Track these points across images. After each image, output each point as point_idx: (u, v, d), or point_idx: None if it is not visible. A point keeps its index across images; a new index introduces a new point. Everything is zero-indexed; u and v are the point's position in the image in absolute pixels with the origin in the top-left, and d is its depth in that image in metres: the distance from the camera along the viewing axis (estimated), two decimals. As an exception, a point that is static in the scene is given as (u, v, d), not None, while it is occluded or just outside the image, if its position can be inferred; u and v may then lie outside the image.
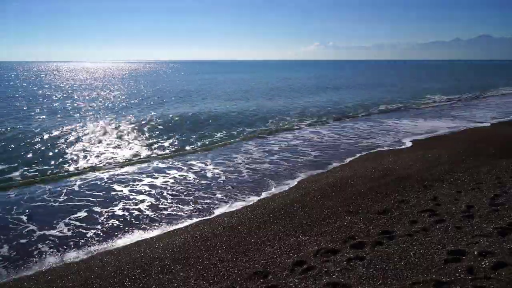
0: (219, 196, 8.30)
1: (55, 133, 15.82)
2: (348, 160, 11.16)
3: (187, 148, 13.20)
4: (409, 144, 13.14)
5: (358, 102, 27.17)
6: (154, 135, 15.56)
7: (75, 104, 26.47)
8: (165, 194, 8.43)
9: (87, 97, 31.71)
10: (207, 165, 10.81)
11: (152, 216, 7.25)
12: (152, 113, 21.40)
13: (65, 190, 8.71)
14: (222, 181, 9.31)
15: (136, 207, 7.70)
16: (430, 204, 6.45)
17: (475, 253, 4.30)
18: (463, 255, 4.30)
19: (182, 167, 10.63)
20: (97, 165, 10.82)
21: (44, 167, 10.67)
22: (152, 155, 12.08)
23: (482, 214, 5.63)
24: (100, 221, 7.06)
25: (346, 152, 12.27)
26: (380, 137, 14.72)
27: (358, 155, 11.75)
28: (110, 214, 7.39)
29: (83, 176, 9.83)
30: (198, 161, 11.21)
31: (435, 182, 7.93)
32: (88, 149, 12.90)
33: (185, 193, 8.49)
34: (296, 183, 9.00)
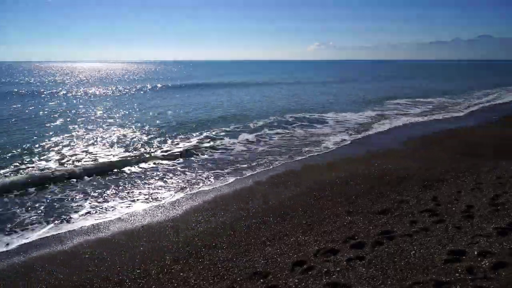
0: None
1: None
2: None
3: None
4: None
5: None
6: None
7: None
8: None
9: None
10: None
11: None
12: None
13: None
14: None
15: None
16: (430, 204, 6.45)
17: (475, 253, 4.30)
18: (463, 255, 4.30)
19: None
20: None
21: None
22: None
23: (482, 214, 5.64)
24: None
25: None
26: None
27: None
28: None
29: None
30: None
31: (435, 182, 7.93)
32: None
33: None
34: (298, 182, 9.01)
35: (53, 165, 10.70)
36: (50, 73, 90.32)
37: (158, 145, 13.51)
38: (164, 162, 11.22)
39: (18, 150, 12.33)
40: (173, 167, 10.65)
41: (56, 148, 12.81)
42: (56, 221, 7.02)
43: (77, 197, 8.25)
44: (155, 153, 12.21)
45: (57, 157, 11.55)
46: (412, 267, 4.19)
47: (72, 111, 22.69)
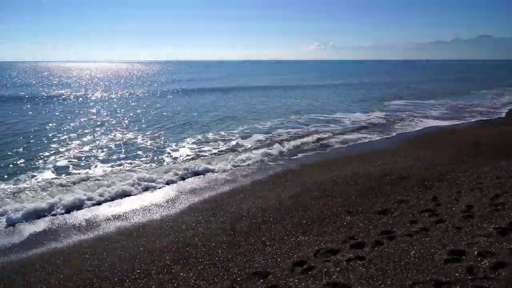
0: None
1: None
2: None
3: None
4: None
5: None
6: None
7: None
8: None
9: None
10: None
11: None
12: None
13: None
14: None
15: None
16: (430, 204, 6.45)
17: (475, 253, 4.30)
18: (463, 255, 4.30)
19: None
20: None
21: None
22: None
23: (482, 214, 5.63)
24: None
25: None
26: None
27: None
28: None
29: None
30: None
31: (435, 182, 7.93)
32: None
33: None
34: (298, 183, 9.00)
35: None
36: (69, 74, 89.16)
37: (162, 147, 13.51)
38: (167, 162, 11.23)
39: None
40: (174, 167, 10.63)
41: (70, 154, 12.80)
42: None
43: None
44: (161, 156, 12.22)
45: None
46: (412, 267, 4.19)
47: (85, 114, 22.70)
